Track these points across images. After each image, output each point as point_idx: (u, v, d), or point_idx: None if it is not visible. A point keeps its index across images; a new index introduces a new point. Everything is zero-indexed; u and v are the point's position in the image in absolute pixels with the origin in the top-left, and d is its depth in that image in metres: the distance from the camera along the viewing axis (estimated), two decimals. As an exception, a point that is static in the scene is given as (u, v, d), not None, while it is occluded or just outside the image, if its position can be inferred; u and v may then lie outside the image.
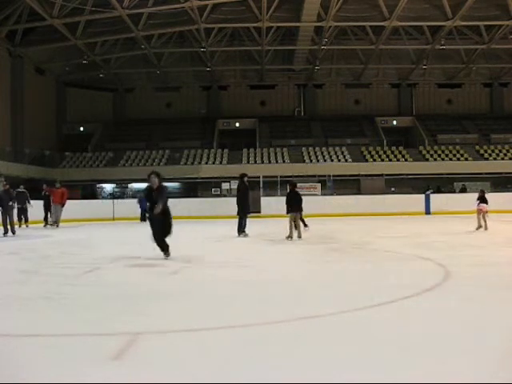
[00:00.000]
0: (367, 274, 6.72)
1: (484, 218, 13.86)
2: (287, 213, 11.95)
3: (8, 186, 14.51)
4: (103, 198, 30.40)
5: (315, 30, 29.84)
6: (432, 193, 26.80)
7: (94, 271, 7.16)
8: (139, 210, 23.08)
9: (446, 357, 3.19)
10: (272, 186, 27.27)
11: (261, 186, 25.85)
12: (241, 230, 12.92)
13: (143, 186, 34.88)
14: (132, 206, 23.24)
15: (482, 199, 14.18)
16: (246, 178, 13.38)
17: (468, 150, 33.57)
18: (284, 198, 12.31)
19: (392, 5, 26.76)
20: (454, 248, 9.63)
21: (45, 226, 19.12)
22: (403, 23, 29.10)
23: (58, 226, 18.46)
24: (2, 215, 14.22)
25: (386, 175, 29.91)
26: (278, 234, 12.91)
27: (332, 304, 4.79)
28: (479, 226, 13.87)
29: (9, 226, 14.22)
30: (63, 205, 18.58)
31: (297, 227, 11.85)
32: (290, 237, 11.71)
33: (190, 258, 8.32)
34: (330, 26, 29.28)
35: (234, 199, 13.49)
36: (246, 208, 13.09)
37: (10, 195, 14.30)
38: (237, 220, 13.16)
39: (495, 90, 39.59)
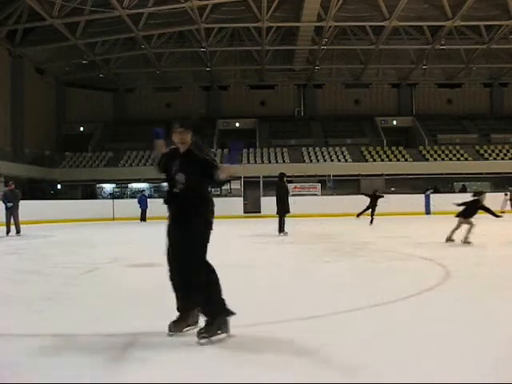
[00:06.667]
0: (367, 273, 6.72)
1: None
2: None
3: (13, 186, 14.54)
4: (103, 197, 30.38)
5: (315, 30, 29.84)
6: (432, 193, 26.82)
7: (93, 271, 7.16)
8: (139, 209, 23.14)
9: (446, 357, 3.19)
10: (272, 186, 27.20)
11: (261, 185, 25.82)
12: (281, 229, 13.05)
13: (143, 186, 34.56)
14: (132, 206, 23.27)
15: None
16: (285, 178, 13.46)
17: (468, 150, 33.57)
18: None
19: (392, 5, 26.76)
20: (454, 248, 9.62)
21: None
22: (403, 23, 29.11)
23: None
24: (6, 215, 14.27)
25: (386, 175, 29.87)
26: (277, 233, 12.97)
27: (332, 304, 4.78)
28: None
29: (12, 226, 14.26)
30: None
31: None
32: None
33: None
34: (330, 26, 29.28)
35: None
36: (286, 208, 13.09)
37: (15, 195, 14.33)
38: (276, 220, 13.31)
39: (495, 90, 39.60)
